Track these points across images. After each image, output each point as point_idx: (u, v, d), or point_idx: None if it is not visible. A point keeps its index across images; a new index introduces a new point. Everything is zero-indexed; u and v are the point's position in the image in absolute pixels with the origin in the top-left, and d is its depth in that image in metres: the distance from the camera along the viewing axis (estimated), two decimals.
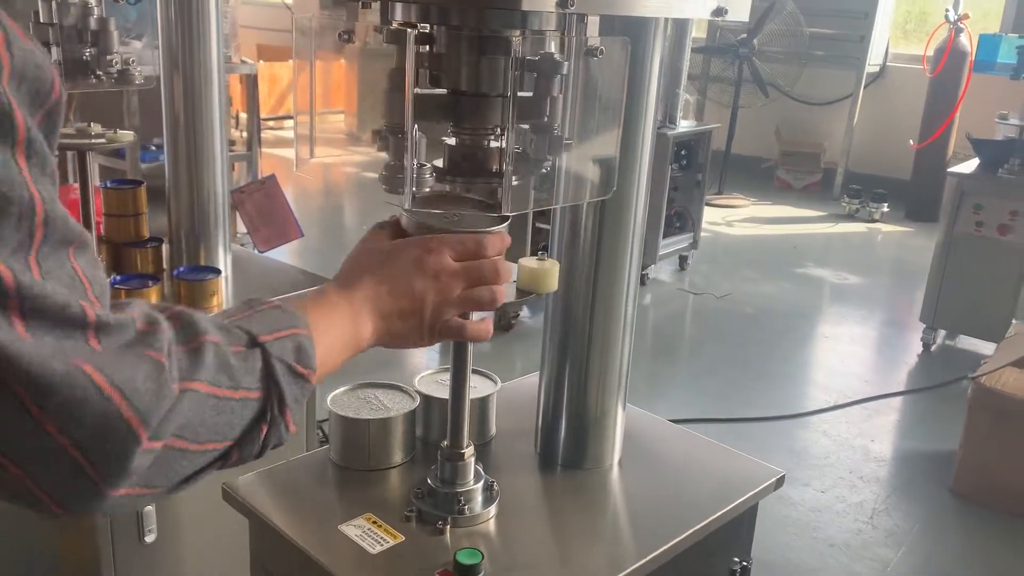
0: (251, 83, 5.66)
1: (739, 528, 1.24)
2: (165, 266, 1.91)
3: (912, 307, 4.55)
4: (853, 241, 6.46)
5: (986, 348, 3.92)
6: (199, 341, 0.61)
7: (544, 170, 0.98)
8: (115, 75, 1.77)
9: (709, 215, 6.69)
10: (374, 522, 1.09)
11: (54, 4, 1.72)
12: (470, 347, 1.07)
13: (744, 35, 7.06)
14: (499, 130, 0.94)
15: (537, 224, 4.01)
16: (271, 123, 8.83)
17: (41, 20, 1.73)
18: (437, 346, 1.43)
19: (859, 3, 7.42)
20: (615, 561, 1.05)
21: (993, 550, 2.75)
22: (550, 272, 1.04)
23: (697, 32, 8.76)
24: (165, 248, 1.94)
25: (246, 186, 4.08)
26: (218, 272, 1.80)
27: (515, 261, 1.04)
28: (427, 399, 1.27)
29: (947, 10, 6.60)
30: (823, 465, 3.17)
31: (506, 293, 0.91)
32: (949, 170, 4.17)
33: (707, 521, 1.15)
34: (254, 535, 1.15)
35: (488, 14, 0.86)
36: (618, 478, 1.25)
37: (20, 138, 0.50)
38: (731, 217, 6.82)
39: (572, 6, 0.83)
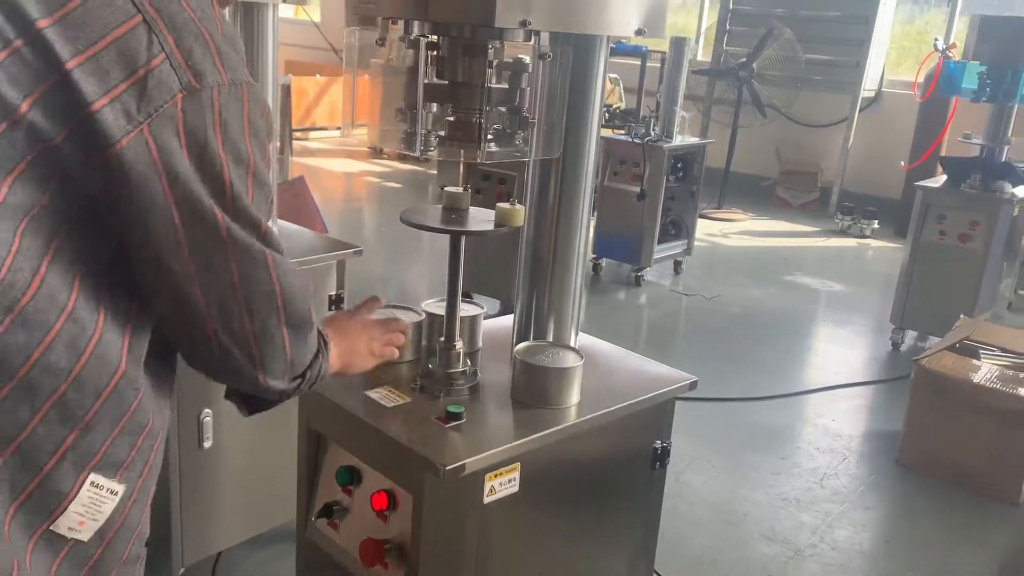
0: (284, 94, 6.16)
1: (661, 415, 1.66)
2: None
3: (889, 312, 4.94)
4: (842, 254, 6.85)
5: None
6: None
7: (516, 140, 1.42)
8: None
9: (708, 227, 7.12)
10: (390, 390, 1.52)
11: None
12: (459, 276, 1.51)
13: (744, 59, 7.50)
14: (481, 109, 1.38)
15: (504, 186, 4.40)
16: (298, 133, 9.35)
17: None
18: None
19: (855, 31, 7.87)
20: (557, 417, 1.47)
21: (926, 510, 3.13)
22: (519, 212, 1.47)
23: (703, 56, 9.25)
24: None
25: (278, 186, 4.55)
26: None
27: (494, 207, 1.48)
28: (431, 316, 1.70)
29: (936, 39, 7.03)
30: (785, 438, 3.57)
31: (478, 217, 1.36)
32: (916, 184, 4.58)
33: (632, 402, 1.57)
34: (303, 404, 1.58)
35: (474, 29, 1.31)
36: None
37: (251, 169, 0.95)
38: (728, 230, 7.23)
39: (530, 24, 1.27)
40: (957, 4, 7.79)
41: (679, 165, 5.56)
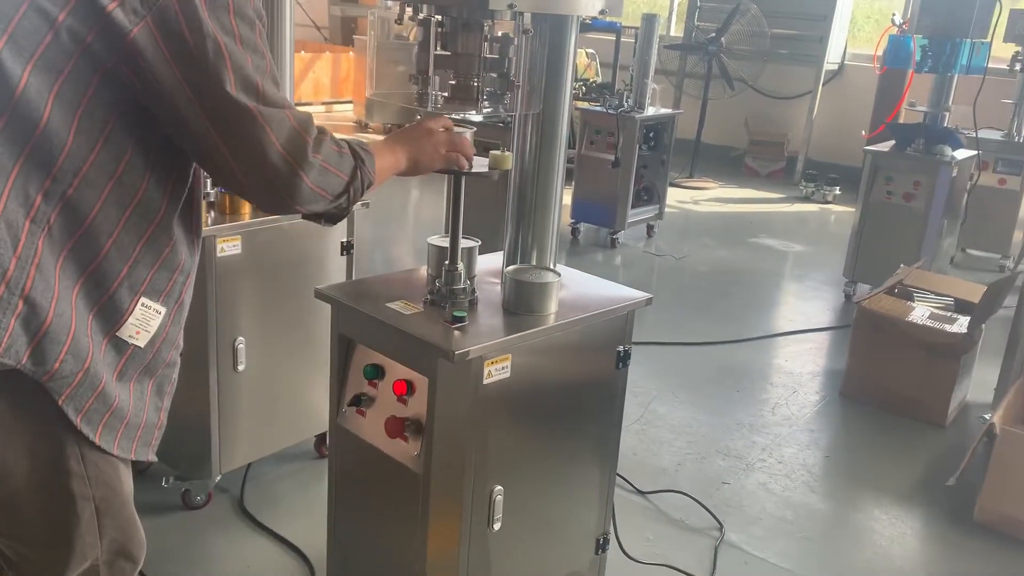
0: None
1: (623, 324, 2.05)
2: None
3: (843, 268, 5.36)
4: (805, 219, 7.28)
5: None
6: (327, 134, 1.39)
7: (504, 99, 1.80)
8: None
9: (680, 195, 7.52)
10: (406, 303, 1.89)
11: None
12: (461, 211, 1.89)
13: (713, 34, 7.88)
14: (478, 74, 1.75)
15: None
16: None
17: None
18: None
19: (818, 6, 8.26)
20: (540, 321, 1.86)
21: (864, 432, 3.57)
22: (508, 157, 1.85)
23: (676, 31, 9.61)
24: None
25: None
26: None
27: (487, 155, 1.86)
28: (436, 247, 2.07)
29: (894, 14, 7.43)
30: (742, 375, 3.99)
31: (474, 163, 1.73)
32: (866, 147, 4.99)
33: (600, 311, 1.95)
34: (334, 315, 1.95)
35: (472, 11, 1.68)
36: None
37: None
38: (699, 197, 7.64)
39: (515, 8, 1.64)
40: None
41: (651, 135, 5.93)
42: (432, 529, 1.84)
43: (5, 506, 1.34)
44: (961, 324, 3.60)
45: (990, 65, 4.81)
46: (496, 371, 1.79)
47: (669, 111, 6.18)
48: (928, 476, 3.25)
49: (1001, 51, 5.48)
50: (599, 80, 8.21)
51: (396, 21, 1.73)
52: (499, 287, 2.01)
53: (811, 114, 8.36)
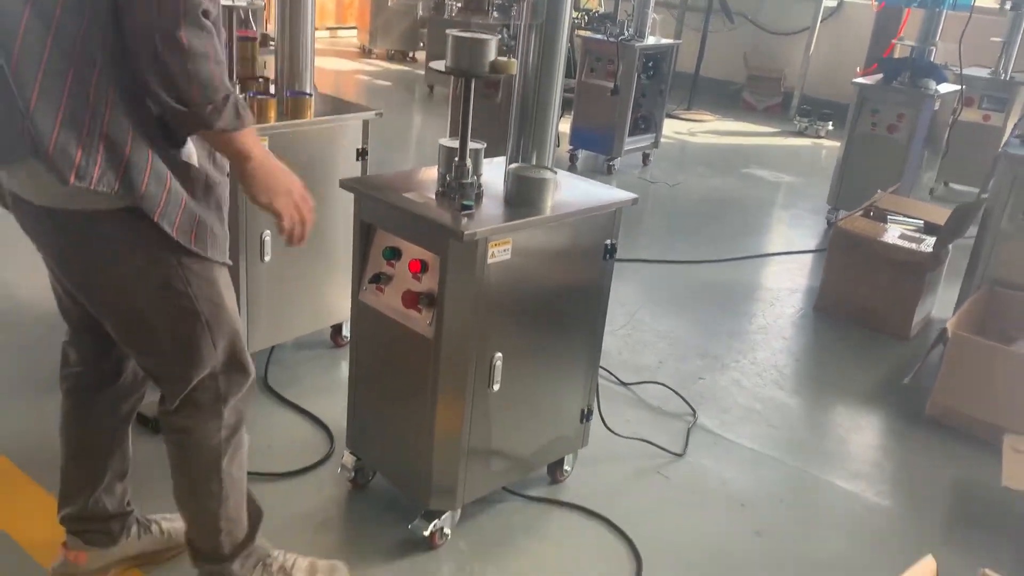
0: None
1: (611, 220, 2.31)
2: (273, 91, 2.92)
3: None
4: (797, 152, 7.50)
5: None
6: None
7: (512, 10, 2.03)
8: None
9: (677, 127, 7.71)
10: (419, 194, 2.15)
11: None
12: (470, 111, 2.13)
13: None
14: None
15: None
16: None
17: None
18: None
19: None
20: (537, 211, 2.12)
21: (833, 341, 3.87)
22: (512, 63, 2.09)
23: None
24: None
25: None
26: (310, 95, 2.85)
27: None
28: (447, 148, 2.31)
29: None
30: (723, 291, 4.28)
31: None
32: (853, 80, 5.19)
33: (591, 206, 2.22)
34: (357, 203, 2.21)
35: None
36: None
37: None
38: (696, 129, 7.83)
39: None
40: None
41: (650, 64, 6.10)
42: (441, 388, 2.14)
43: (138, 325, 1.68)
44: (928, 244, 3.87)
45: (983, 4, 4.97)
46: (499, 252, 2.06)
47: (669, 41, 6.34)
48: (888, 380, 3.55)
49: None
50: (602, 10, 8.32)
51: None
52: (502, 184, 2.27)
53: (808, 50, 8.49)
